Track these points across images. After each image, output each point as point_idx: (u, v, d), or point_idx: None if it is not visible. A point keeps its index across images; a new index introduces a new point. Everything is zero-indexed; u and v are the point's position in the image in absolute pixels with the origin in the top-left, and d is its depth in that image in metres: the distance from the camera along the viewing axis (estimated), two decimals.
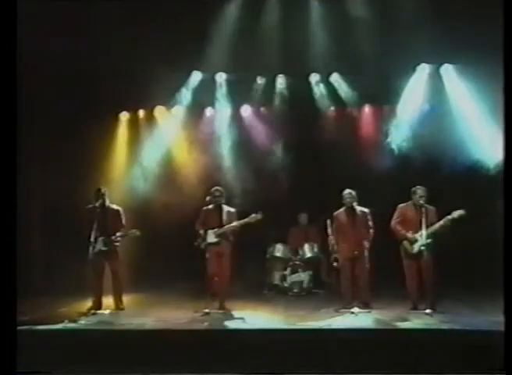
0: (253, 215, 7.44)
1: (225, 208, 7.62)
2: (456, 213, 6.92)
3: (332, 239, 7.51)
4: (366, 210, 7.38)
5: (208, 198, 7.50)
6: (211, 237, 7.50)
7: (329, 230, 7.53)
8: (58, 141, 9.02)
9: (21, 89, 5.12)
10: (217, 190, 7.62)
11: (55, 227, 8.99)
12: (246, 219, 7.49)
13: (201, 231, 7.53)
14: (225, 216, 7.55)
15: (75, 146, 8.92)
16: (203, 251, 7.34)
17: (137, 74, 8.10)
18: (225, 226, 7.50)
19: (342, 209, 7.42)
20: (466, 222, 6.94)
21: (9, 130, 4.66)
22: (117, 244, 7.52)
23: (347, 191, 7.40)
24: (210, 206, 7.61)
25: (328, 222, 7.59)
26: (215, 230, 7.51)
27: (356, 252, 7.18)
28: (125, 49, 7.98)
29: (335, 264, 7.44)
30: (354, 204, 7.35)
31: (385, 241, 7.31)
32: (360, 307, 7.05)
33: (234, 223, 7.52)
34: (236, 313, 7.22)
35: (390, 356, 5.29)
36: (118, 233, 7.45)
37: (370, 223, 7.33)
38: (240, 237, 7.75)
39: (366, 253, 7.25)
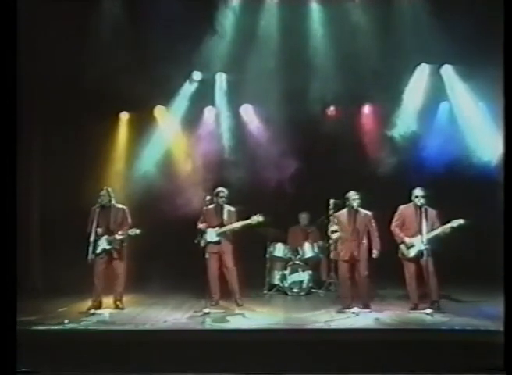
0: (254, 217, 7.54)
1: (226, 207, 7.71)
2: (456, 223, 6.91)
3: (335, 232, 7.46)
4: (369, 213, 7.29)
5: (208, 198, 7.53)
6: (212, 236, 7.58)
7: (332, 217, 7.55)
8: (58, 141, 9.02)
9: (21, 89, 5.12)
10: (221, 191, 7.71)
11: (54, 227, 8.98)
12: (247, 221, 7.59)
13: (202, 227, 7.59)
14: (225, 216, 7.66)
15: (75, 146, 8.92)
16: (203, 250, 7.35)
17: (138, 74, 8.10)
18: (227, 227, 7.60)
19: (344, 210, 7.33)
20: (466, 222, 6.94)
21: (9, 129, 4.66)
22: (123, 243, 7.54)
23: (352, 192, 7.29)
24: (211, 206, 7.71)
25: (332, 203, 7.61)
26: (216, 229, 7.59)
27: (355, 254, 7.13)
28: (125, 49, 7.99)
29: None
30: (358, 206, 7.24)
31: (386, 241, 7.30)
32: (360, 307, 7.05)
33: (235, 224, 7.61)
34: (235, 313, 7.22)
35: (390, 356, 5.29)
36: (119, 232, 7.46)
37: (373, 225, 7.24)
38: (239, 237, 7.78)
39: (365, 256, 7.17)
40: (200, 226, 7.62)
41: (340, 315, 6.92)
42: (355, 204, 7.20)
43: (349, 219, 7.24)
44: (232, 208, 7.75)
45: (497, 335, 4.66)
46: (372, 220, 7.26)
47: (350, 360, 5.25)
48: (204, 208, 7.66)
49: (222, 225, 7.64)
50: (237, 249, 7.78)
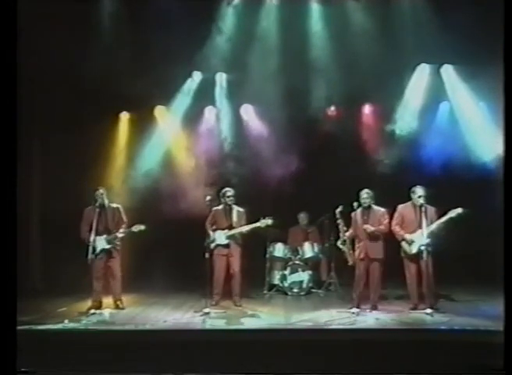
0: (263, 220, 7.55)
1: (235, 208, 7.70)
2: (455, 212, 6.92)
3: (347, 234, 7.49)
4: (383, 209, 7.28)
5: (209, 198, 7.51)
6: (221, 239, 7.59)
7: (341, 225, 7.57)
8: (58, 141, 9.01)
9: (21, 89, 5.11)
10: (228, 190, 7.70)
11: (54, 227, 8.98)
12: (257, 224, 7.61)
13: (211, 232, 7.58)
14: (235, 217, 7.65)
15: (75, 146, 8.91)
16: (203, 251, 7.34)
17: (138, 74, 8.10)
18: (236, 229, 7.59)
19: (359, 209, 7.30)
20: (466, 222, 6.94)
21: (9, 129, 4.66)
22: (118, 243, 7.53)
23: (365, 190, 7.28)
24: (219, 207, 7.69)
25: (338, 212, 7.61)
26: (225, 231, 7.60)
27: (370, 252, 7.12)
28: (125, 49, 7.99)
29: (350, 263, 7.44)
30: (372, 203, 7.25)
31: (386, 241, 7.29)
32: (366, 308, 7.06)
33: (245, 227, 7.61)
34: (236, 313, 7.22)
35: (390, 356, 5.29)
36: (121, 230, 7.45)
37: (386, 222, 7.22)
38: (240, 237, 7.78)
39: (382, 255, 7.18)
40: (210, 232, 7.59)
41: (340, 315, 6.91)
42: (367, 201, 7.22)
43: (362, 218, 7.23)
44: (241, 209, 7.75)
45: (497, 335, 4.66)
46: (386, 216, 7.24)
47: (350, 360, 5.25)
48: (213, 208, 7.65)
49: (231, 227, 7.63)
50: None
